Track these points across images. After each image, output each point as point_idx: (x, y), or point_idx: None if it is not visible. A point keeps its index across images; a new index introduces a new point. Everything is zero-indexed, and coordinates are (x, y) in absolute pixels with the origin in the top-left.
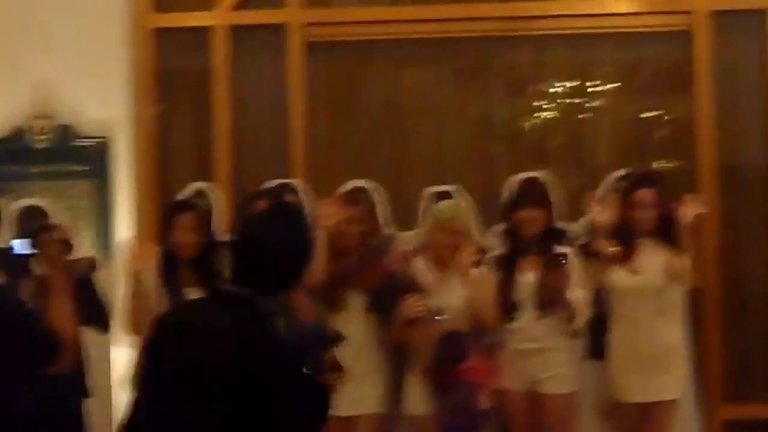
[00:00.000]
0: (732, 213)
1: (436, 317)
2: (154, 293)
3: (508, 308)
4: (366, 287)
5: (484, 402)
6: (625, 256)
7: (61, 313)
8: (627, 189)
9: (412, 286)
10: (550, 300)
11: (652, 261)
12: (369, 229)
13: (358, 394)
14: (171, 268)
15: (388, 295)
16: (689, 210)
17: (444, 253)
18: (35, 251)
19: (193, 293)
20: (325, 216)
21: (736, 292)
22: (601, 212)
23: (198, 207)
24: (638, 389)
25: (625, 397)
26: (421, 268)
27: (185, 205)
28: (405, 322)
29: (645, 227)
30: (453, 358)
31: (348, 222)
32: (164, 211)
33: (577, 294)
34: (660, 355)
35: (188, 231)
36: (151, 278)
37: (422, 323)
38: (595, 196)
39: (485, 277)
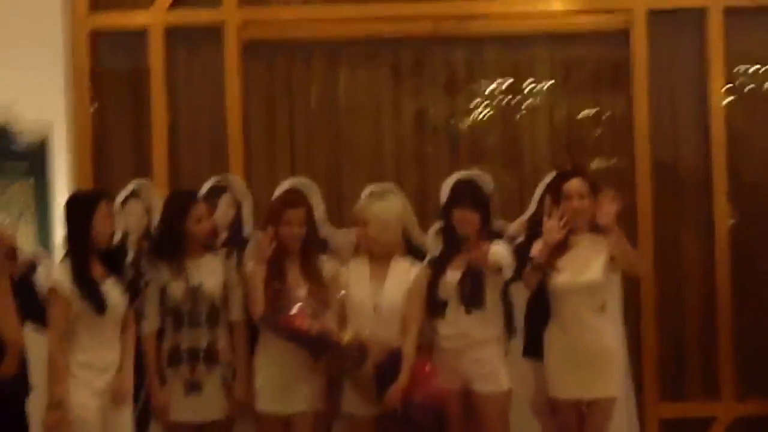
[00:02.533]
0: (667, 208)
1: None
2: None
3: (436, 306)
4: None
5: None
6: (559, 254)
7: (5, 316)
8: (556, 184)
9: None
10: (473, 294)
11: (590, 257)
12: (308, 231)
13: (293, 391)
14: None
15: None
16: (607, 209)
17: (382, 252)
18: None
19: None
20: (262, 249)
21: (673, 288)
22: (552, 232)
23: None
24: (576, 387)
25: (563, 395)
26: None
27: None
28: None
29: (580, 219)
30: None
31: (290, 224)
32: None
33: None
34: (597, 353)
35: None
36: None
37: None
38: (548, 212)
39: (420, 277)
